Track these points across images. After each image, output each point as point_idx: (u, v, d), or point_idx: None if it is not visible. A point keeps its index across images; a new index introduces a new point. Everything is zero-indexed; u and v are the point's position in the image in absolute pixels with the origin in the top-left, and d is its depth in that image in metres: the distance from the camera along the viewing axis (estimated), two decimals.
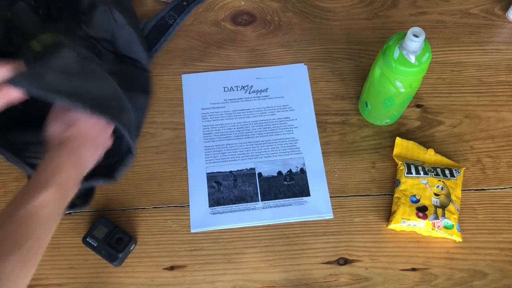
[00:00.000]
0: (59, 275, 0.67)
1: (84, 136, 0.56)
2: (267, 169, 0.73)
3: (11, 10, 0.70)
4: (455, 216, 0.68)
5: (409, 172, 0.71)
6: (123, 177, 0.73)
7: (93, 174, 0.62)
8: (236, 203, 0.71)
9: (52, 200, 0.50)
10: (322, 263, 0.68)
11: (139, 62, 0.75)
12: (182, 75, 0.82)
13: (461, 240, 0.68)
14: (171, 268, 0.68)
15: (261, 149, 0.75)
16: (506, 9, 0.87)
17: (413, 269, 0.68)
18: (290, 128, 0.77)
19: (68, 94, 0.55)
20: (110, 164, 0.64)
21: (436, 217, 0.67)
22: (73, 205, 0.66)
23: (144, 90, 0.73)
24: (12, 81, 0.51)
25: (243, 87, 0.80)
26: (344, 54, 0.84)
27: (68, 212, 0.70)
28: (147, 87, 0.74)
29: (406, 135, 0.76)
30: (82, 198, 0.68)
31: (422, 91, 0.79)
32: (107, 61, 0.73)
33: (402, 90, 0.67)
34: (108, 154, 0.63)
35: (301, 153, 0.75)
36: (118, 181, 0.64)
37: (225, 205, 0.71)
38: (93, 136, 0.57)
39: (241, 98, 0.79)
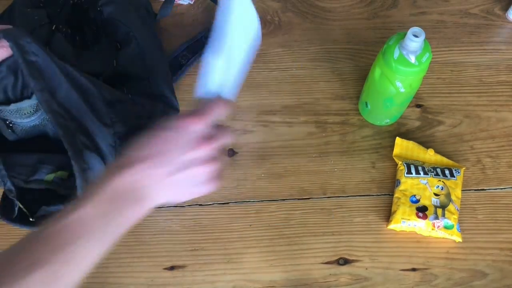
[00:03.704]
0: None
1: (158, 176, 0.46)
2: None
3: (49, 45, 0.70)
4: (455, 216, 0.68)
5: (409, 172, 0.71)
6: None
7: None
8: None
9: (90, 217, 0.42)
10: (322, 263, 0.68)
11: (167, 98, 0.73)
12: None
13: (461, 240, 0.68)
14: (171, 268, 0.68)
15: None
16: (506, 9, 0.87)
17: (413, 269, 0.68)
18: None
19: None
20: None
21: (436, 217, 0.67)
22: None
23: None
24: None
25: None
26: (344, 54, 0.84)
27: None
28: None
29: (406, 135, 0.76)
30: None
31: (422, 91, 0.79)
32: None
33: (402, 90, 0.67)
34: None
35: None
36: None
37: None
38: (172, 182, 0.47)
39: None
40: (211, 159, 0.48)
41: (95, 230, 0.43)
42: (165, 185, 0.46)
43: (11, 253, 0.42)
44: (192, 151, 0.47)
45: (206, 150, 0.47)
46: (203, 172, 0.48)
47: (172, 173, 0.46)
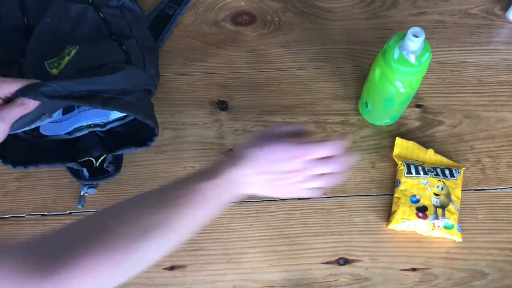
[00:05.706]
0: None
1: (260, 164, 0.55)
2: None
3: None
4: (455, 216, 0.68)
5: (409, 172, 0.71)
6: (124, 177, 0.73)
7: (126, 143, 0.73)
8: None
9: (209, 190, 0.52)
10: (322, 263, 0.68)
11: None
12: None
13: (461, 240, 0.68)
14: (171, 268, 0.68)
15: None
16: (506, 9, 0.87)
17: (413, 269, 0.68)
18: None
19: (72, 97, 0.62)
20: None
21: (436, 217, 0.67)
22: (107, 174, 0.72)
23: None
24: (24, 93, 0.58)
25: None
26: (344, 54, 0.84)
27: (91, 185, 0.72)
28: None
29: (406, 135, 0.76)
30: (114, 166, 0.73)
31: (422, 91, 0.79)
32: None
33: (402, 90, 0.67)
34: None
35: None
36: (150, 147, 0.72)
37: None
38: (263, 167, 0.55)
39: None
40: (309, 177, 0.56)
41: (210, 201, 0.52)
42: (263, 186, 0.56)
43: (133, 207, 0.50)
44: (291, 165, 0.55)
45: (303, 168, 0.55)
46: (297, 184, 0.56)
47: (272, 180, 0.56)
